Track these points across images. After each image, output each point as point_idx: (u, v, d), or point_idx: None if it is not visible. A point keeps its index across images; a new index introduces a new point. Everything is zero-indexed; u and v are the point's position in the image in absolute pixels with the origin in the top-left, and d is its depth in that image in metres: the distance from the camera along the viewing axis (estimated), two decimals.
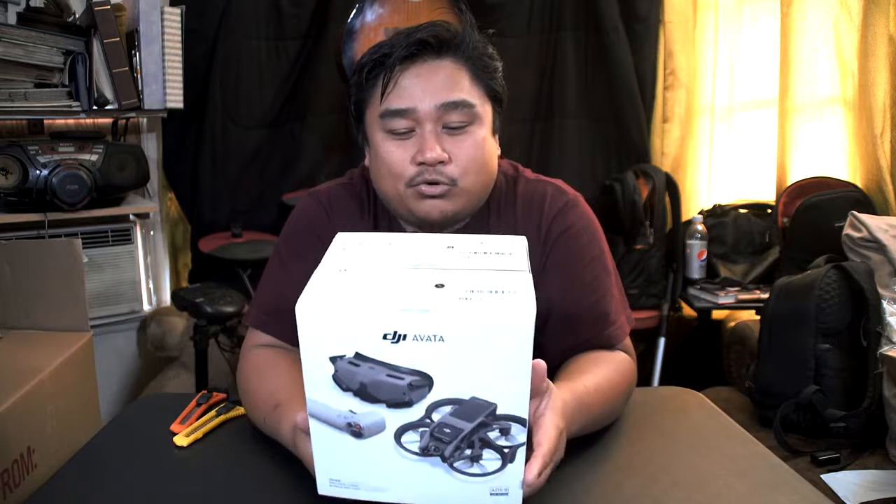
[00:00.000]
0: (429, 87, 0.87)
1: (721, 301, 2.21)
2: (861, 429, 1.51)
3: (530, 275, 0.60)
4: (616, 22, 2.50)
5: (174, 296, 2.12)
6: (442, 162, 0.87)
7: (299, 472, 0.72)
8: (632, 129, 2.57)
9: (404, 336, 0.55)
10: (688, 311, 2.47)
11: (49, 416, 1.25)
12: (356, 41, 2.23)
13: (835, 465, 1.43)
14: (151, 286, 2.42)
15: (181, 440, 0.85)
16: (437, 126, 0.88)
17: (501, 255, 0.63)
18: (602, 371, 0.87)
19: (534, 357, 0.57)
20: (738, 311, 2.34)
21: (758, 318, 1.95)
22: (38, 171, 1.89)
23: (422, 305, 0.54)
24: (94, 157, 1.98)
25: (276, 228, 2.09)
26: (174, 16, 2.10)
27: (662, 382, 2.36)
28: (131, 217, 2.26)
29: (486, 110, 0.92)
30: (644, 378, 2.51)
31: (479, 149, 0.90)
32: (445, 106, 0.87)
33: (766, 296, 1.77)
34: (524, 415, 0.58)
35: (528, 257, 0.64)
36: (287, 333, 0.95)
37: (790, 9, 2.16)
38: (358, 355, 0.56)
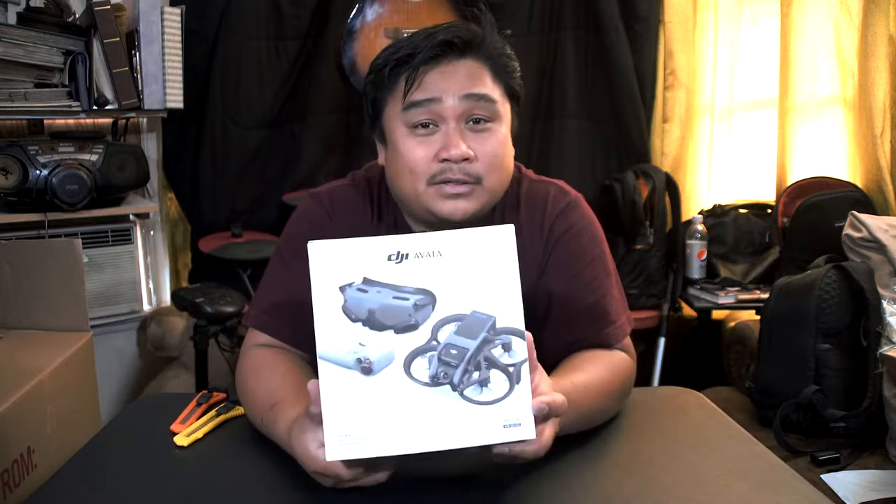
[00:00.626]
0: (453, 80, 0.87)
1: (721, 301, 2.21)
2: (861, 429, 1.51)
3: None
4: (616, 22, 2.50)
5: (174, 296, 2.12)
6: (467, 159, 0.87)
7: (300, 471, 0.72)
8: (632, 129, 2.57)
9: (406, 255, 0.61)
10: (688, 311, 2.47)
11: (49, 416, 1.25)
12: (356, 41, 2.23)
13: (835, 465, 1.43)
14: (151, 286, 2.42)
15: (182, 440, 0.85)
16: (460, 123, 0.88)
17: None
18: (596, 369, 0.87)
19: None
20: (738, 311, 2.34)
21: (758, 318, 1.95)
22: (38, 171, 1.89)
23: (419, 231, 0.63)
24: (94, 157, 1.98)
25: (277, 228, 2.09)
26: (174, 16, 2.10)
27: (662, 382, 2.36)
28: (131, 217, 2.26)
29: (506, 109, 0.92)
30: (644, 378, 2.50)
31: (502, 146, 0.91)
32: (469, 97, 0.87)
33: (766, 296, 1.77)
34: (521, 327, 0.62)
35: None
36: (286, 333, 0.95)
37: (790, 9, 2.16)
38: (366, 280, 0.60)
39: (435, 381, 0.61)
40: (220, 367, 2.16)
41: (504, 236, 0.62)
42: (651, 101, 2.61)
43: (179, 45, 2.12)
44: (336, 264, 0.60)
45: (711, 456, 0.81)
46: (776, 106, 2.28)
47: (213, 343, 2.09)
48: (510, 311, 0.62)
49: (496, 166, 0.90)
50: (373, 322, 0.60)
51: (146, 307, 2.38)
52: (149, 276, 2.41)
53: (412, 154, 0.88)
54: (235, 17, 2.38)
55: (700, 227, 2.37)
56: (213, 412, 0.92)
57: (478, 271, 0.61)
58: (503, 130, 0.91)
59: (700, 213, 2.46)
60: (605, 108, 2.60)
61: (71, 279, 1.47)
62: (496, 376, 0.62)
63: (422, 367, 0.61)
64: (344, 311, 0.60)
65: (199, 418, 0.91)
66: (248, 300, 2.10)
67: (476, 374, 0.61)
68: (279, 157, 2.54)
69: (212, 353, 2.09)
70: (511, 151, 0.94)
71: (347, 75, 2.27)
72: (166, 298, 2.45)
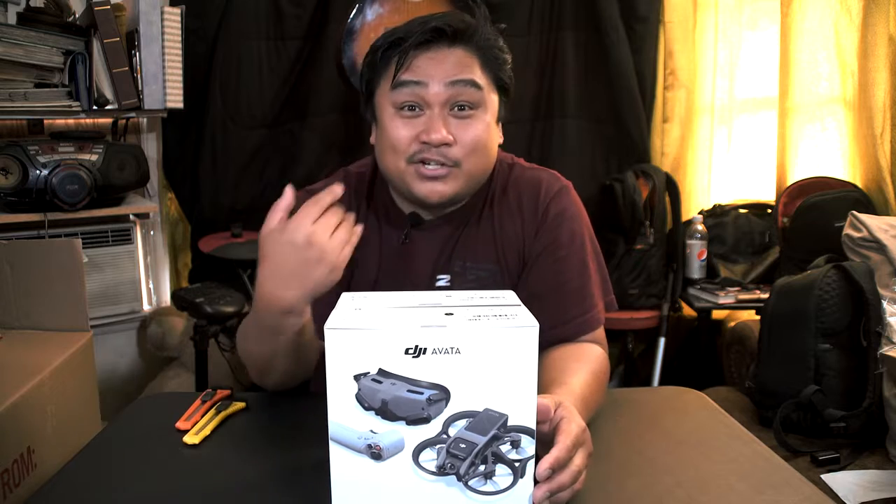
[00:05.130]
0: (441, 67, 0.91)
1: (721, 301, 2.21)
2: (861, 429, 1.51)
3: (525, 308, 0.66)
4: (616, 22, 2.50)
5: (174, 296, 2.12)
6: (446, 144, 0.91)
7: (313, 466, 0.73)
8: (632, 129, 2.57)
9: (424, 350, 0.60)
10: (688, 311, 2.47)
11: (49, 416, 1.25)
12: (356, 41, 2.23)
13: (835, 465, 1.43)
14: (151, 286, 2.42)
15: (191, 438, 0.84)
16: (444, 109, 0.91)
17: (496, 298, 0.69)
18: (587, 366, 0.90)
19: None
20: (738, 311, 2.34)
21: (758, 318, 1.95)
22: (38, 171, 1.89)
23: (439, 323, 0.61)
24: (94, 157, 1.98)
25: None
26: (174, 16, 2.10)
27: (662, 382, 2.36)
28: (131, 217, 2.26)
29: (492, 98, 0.96)
30: (644, 378, 2.50)
31: (484, 132, 0.94)
32: (455, 83, 0.91)
33: (766, 296, 1.77)
34: (532, 426, 0.62)
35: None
36: None
37: (790, 9, 2.16)
38: (381, 371, 0.60)
39: (441, 471, 0.62)
40: (220, 367, 2.16)
41: (528, 337, 0.60)
42: (651, 101, 2.61)
43: (179, 45, 2.12)
44: (352, 353, 0.60)
45: (713, 456, 0.81)
46: (776, 106, 2.28)
47: (213, 343, 2.09)
48: (524, 409, 0.62)
49: (476, 151, 0.93)
50: (385, 412, 0.61)
51: (146, 307, 2.38)
52: (149, 276, 2.41)
53: (396, 133, 0.92)
54: (235, 17, 2.38)
55: (700, 227, 2.37)
56: (213, 410, 0.92)
57: (495, 369, 0.61)
58: (487, 118, 0.94)
59: (700, 213, 2.46)
60: (605, 108, 2.60)
61: (71, 279, 1.47)
62: (501, 470, 0.63)
63: (430, 458, 0.62)
64: (357, 399, 0.61)
65: (203, 415, 0.90)
66: (248, 300, 2.10)
67: (482, 467, 0.63)
68: (279, 157, 2.54)
69: (212, 353, 2.09)
70: (495, 139, 0.98)
71: (347, 75, 2.27)
72: (166, 298, 2.45)
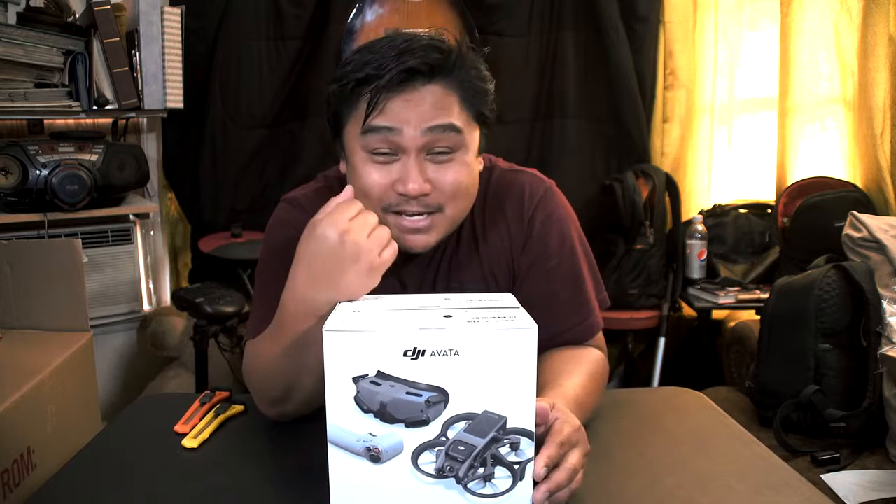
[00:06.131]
0: (416, 111, 0.82)
1: (721, 301, 2.21)
2: (861, 429, 1.51)
3: (524, 310, 0.66)
4: (616, 22, 2.50)
5: (174, 296, 2.12)
6: (425, 194, 0.84)
7: (314, 467, 0.72)
8: (632, 129, 2.57)
9: (423, 352, 0.60)
10: (688, 311, 2.47)
11: (49, 416, 1.25)
12: (356, 41, 2.23)
13: (835, 465, 1.43)
14: (151, 286, 2.42)
15: (190, 442, 0.84)
16: (420, 155, 0.84)
17: (495, 301, 0.69)
18: (584, 368, 0.89)
19: None
20: (738, 311, 2.34)
21: (758, 318, 1.95)
22: (38, 171, 1.89)
23: (438, 325, 0.61)
24: (94, 157, 1.98)
25: None
26: (174, 16, 2.10)
27: (662, 382, 2.36)
28: (131, 217, 2.26)
29: (472, 137, 0.88)
30: (644, 378, 2.51)
31: (466, 175, 0.87)
32: (432, 129, 0.83)
33: (766, 296, 1.77)
34: (532, 427, 0.62)
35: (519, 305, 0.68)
36: None
37: (790, 9, 2.16)
38: (379, 374, 0.60)
39: (440, 474, 0.62)
40: (220, 367, 2.16)
41: (526, 339, 0.60)
42: (651, 101, 2.61)
43: (179, 45, 2.12)
44: (351, 356, 0.60)
45: (713, 457, 0.81)
46: (776, 106, 2.28)
47: (213, 343, 2.09)
48: (523, 411, 0.62)
49: (457, 195, 0.87)
50: (384, 415, 0.61)
51: (146, 307, 2.38)
52: (149, 276, 2.41)
53: (368, 179, 0.85)
54: (235, 17, 2.38)
55: (700, 227, 2.37)
56: (212, 413, 0.92)
57: (494, 371, 0.60)
58: (467, 159, 0.87)
59: (700, 213, 2.46)
60: (605, 108, 2.60)
61: (71, 279, 1.47)
62: (501, 472, 0.63)
63: (429, 460, 0.62)
64: (356, 402, 0.61)
65: (201, 418, 0.90)
66: (248, 300, 2.10)
67: (481, 470, 0.63)
68: (279, 157, 2.54)
69: (212, 353, 2.09)
70: (476, 173, 0.91)
71: None
72: (166, 298, 2.45)
